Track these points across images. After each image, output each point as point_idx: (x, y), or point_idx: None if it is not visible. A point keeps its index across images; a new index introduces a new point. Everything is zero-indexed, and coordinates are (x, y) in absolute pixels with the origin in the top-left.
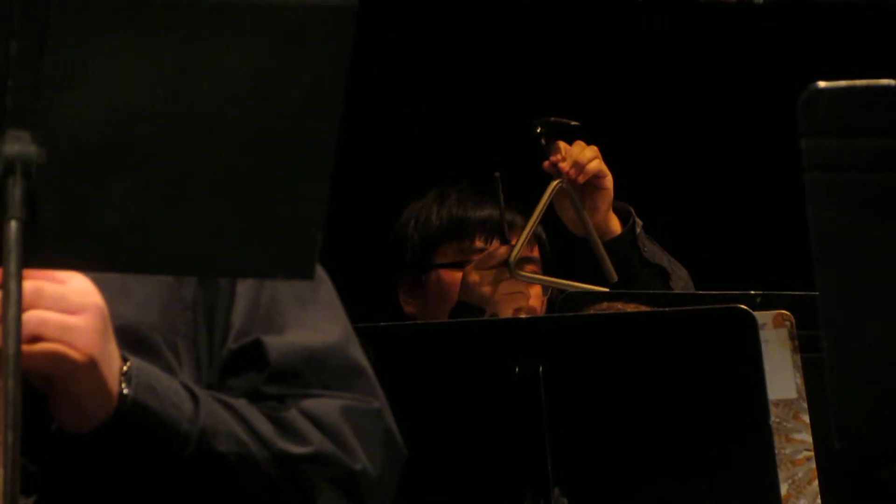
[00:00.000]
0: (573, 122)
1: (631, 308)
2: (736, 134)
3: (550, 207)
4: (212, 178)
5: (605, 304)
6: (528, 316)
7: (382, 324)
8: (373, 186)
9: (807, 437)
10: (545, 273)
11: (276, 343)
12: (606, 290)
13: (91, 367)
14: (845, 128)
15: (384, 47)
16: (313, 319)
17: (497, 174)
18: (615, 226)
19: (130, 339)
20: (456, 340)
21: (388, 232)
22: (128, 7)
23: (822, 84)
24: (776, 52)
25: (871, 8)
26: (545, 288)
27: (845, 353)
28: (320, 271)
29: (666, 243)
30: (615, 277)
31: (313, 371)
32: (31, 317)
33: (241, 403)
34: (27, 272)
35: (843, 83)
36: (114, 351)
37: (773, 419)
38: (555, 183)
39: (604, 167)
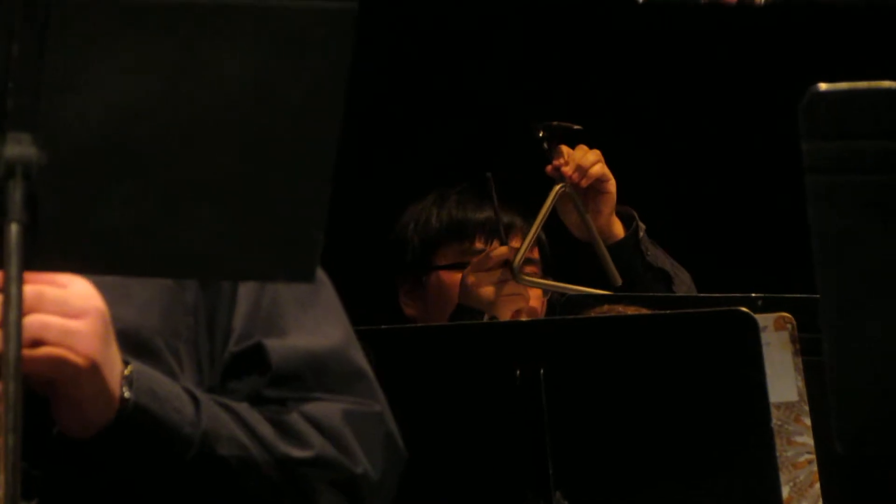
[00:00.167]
0: (576, 126)
1: (632, 311)
2: (737, 136)
3: (553, 211)
4: (212, 181)
5: (606, 307)
6: (529, 318)
7: (383, 326)
8: (373, 188)
9: (808, 439)
10: (545, 274)
11: (278, 346)
12: (608, 293)
13: (92, 370)
14: (846, 130)
15: (385, 49)
16: (314, 322)
17: (489, 175)
18: (618, 229)
19: (132, 342)
20: (457, 343)
21: (388, 234)
22: (128, 10)
23: (823, 86)
24: (777, 54)
25: (873, 10)
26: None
27: (846, 354)
28: (321, 274)
29: (667, 246)
30: (619, 281)
31: (315, 374)
32: (33, 321)
33: (243, 407)
34: (28, 275)
35: (844, 85)
36: (115, 355)
37: (774, 422)
38: (558, 187)
39: (607, 171)
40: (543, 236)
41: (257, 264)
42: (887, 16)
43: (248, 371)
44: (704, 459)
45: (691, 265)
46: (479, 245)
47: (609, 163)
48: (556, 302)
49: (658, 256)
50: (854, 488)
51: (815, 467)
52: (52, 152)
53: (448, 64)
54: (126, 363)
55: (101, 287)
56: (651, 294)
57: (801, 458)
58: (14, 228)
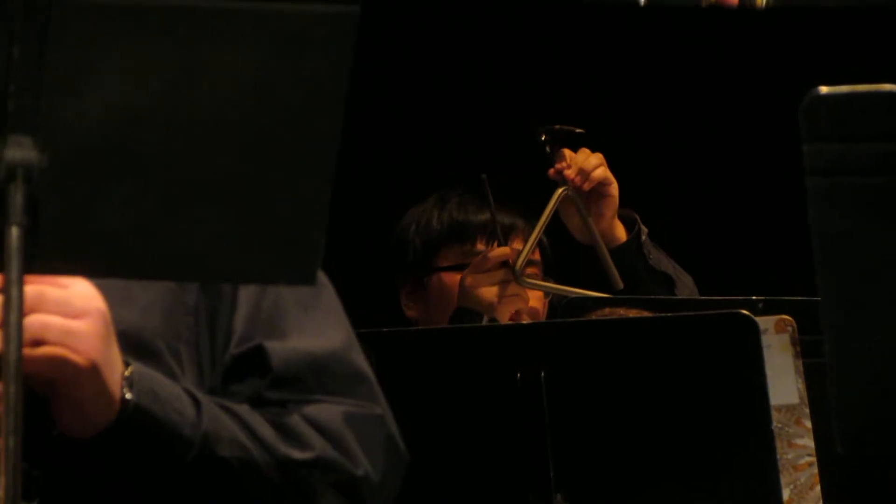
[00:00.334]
0: (578, 130)
1: (633, 314)
2: (737, 138)
3: (556, 214)
4: (213, 183)
5: (607, 310)
6: (530, 320)
7: (385, 329)
8: (374, 191)
9: (809, 442)
10: (546, 275)
11: (279, 349)
12: (609, 296)
13: (93, 371)
14: (847, 132)
15: (387, 51)
16: (316, 325)
17: (484, 176)
18: (620, 233)
19: (133, 344)
20: (458, 346)
21: (389, 236)
22: (129, 12)
23: (823, 89)
24: (778, 57)
25: (873, 13)
26: None
27: (847, 356)
28: (322, 276)
29: (669, 248)
30: (621, 285)
31: (316, 377)
32: (34, 321)
33: (244, 409)
34: (30, 277)
35: (844, 88)
36: (116, 355)
37: (775, 424)
38: (560, 190)
39: (609, 174)
40: (545, 238)
41: (258, 267)
42: (888, 19)
43: (248, 373)
44: (705, 462)
45: (692, 267)
46: (480, 247)
47: (611, 166)
48: (557, 304)
49: (661, 260)
50: (855, 491)
51: (815, 470)
52: (52, 155)
53: (450, 65)
54: (127, 364)
55: (102, 289)
56: (652, 297)
57: (802, 461)
58: (15, 231)
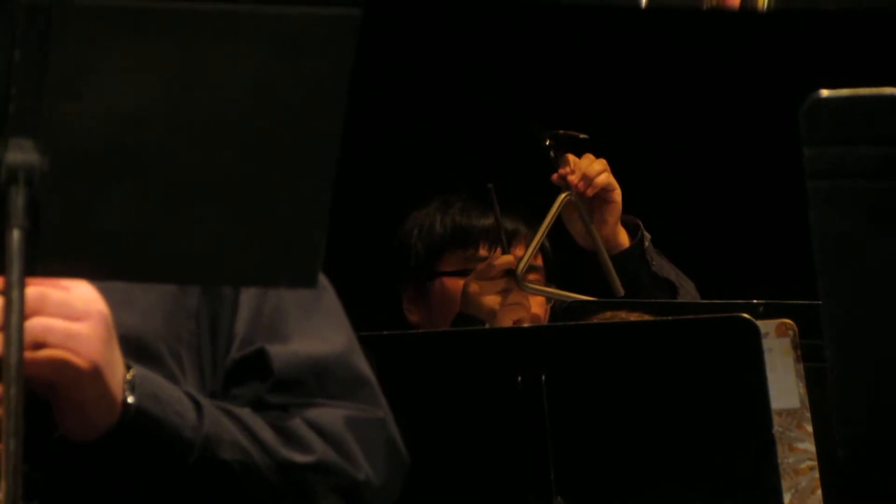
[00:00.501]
0: (582, 135)
1: (634, 317)
2: (739, 142)
3: (558, 219)
4: (214, 185)
5: (608, 314)
6: (531, 325)
7: (385, 332)
8: (376, 193)
9: (810, 446)
10: (548, 281)
11: (280, 352)
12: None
13: (95, 374)
14: (847, 136)
15: (389, 53)
16: (317, 328)
17: (490, 185)
18: (623, 239)
19: (134, 347)
20: (459, 349)
21: (391, 240)
22: (130, 15)
23: (824, 92)
24: (779, 60)
25: (875, 16)
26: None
27: (848, 359)
28: (323, 279)
29: (670, 252)
30: (622, 292)
31: (317, 380)
32: (35, 323)
33: (245, 412)
34: (31, 279)
35: (845, 91)
36: (118, 359)
37: (776, 428)
38: (563, 196)
39: (612, 180)
40: (547, 244)
41: (259, 269)
42: (889, 22)
43: (250, 377)
44: (706, 465)
45: (694, 271)
46: (482, 252)
47: (614, 171)
48: (558, 309)
49: (663, 266)
50: (856, 495)
51: (816, 474)
52: (53, 157)
53: (452, 67)
54: (128, 367)
55: (104, 292)
56: (653, 300)
57: (803, 465)
58: (16, 234)
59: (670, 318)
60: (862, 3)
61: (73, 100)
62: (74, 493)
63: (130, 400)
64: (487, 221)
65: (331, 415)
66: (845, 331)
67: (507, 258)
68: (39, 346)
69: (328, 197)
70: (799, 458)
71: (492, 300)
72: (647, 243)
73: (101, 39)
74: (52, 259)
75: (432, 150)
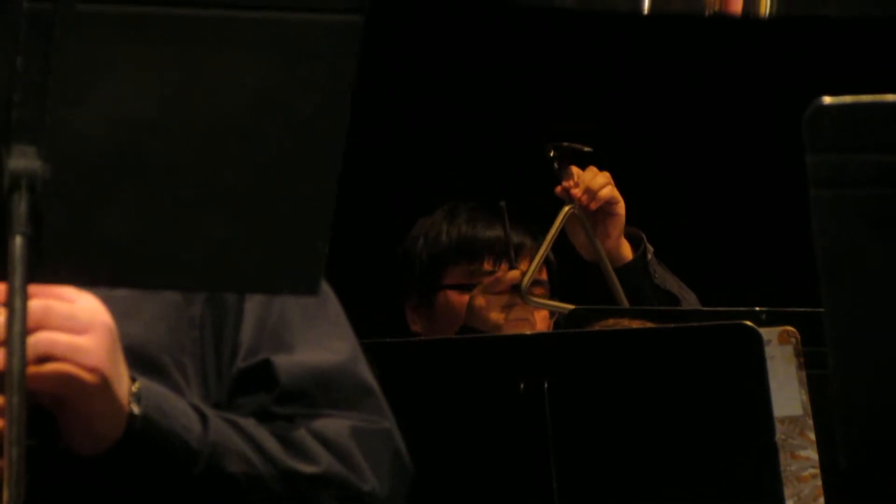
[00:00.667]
0: (586, 148)
1: (636, 324)
2: (741, 148)
3: (562, 232)
4: (216, 193)
5: (610, 321)
6: (533, 331)
7: (388, 340)
8: (380, 201)
9: (812, 453)
10: (553, 294)
11: (286, 363)
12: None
13: (101, 387)
14: (850, 143)
15: (394, 61)
16: (322, 337)
17: (502, 203)
18: (626, 252)
19: (138, 358)
20: (461, 356)
21: (396, 248)
22: (132, 21)
23: (827, 99)
24: (781, 67)
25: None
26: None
27: (850, 367)
28: (326, 288)
29: (673, 260)
30: (626, 304)
31: (323, 391)
32: (41, 337)
33: (250, 423)
34: (37, 290)
35: (848, 98)
36: (123, 371)
37: (778, 436)
38: (567, 209)
39: (616, 193)
40: (552, 257)
41: (261, 276)
42: (891, 29)
43: (256, 387)
44: (708, 472)
45: (696, 278)
46: (487, 266)
47: (617, 183)
48: (561, 321)
49: (666, 279)
50: (859, 502)
51: (819, 481)
52: (56, 164)
53: (457, 76)
54: (133, 380)
55: (107, 303)
56: (656, 308)
57: (806, 472)
58: (18, 241)
59: (673, 325)
60: (864, 9)
61: (76, 106)
62: None
63: (136, 412)
64: (493, 233)
65: (336, 425)
66: (848, 338)
67: (515, 274)
68: (45, 359)
69: (331, 203)
70: (801, 465)
71: (497, 315)
72: (649, 256)
73: (104, 46)
74: (55, 265)
75: (436, 158)
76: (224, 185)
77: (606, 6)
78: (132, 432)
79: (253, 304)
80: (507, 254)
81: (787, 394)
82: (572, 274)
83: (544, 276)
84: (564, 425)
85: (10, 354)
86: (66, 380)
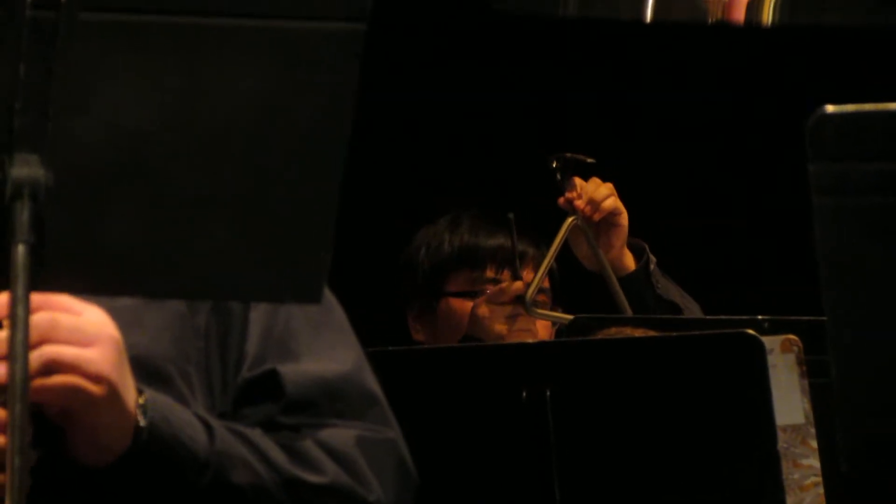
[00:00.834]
0: (589, 160)
1: (639, 333)
2: (743, 157)
3: (565, 243)
4: (219, 201)
5: (613, 329)
6: (536, 341)
7: (390, 348)
8: (383, 210)
9: (815, 462)
10: (555, 302)
11: (292, 373)
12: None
13: (107, 399)
14: (853, 152)
15: (397, 70)
16: (327, 346)
17: (511, 215)
18: (629, 262)
19: (143, 369)
20: (463, 365)
21: (398, 257)
22: (135, 30)
23: (829, 108)
24: (784, 75)
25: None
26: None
27: (852, 375)
28: (331, 296)
29: (675, 269)
30: (629, 314)
31: (329, 400)
32: (47, 349)
33: (256, 433)
34: (43, 301)
35: (850, 107)
36: (130, 383)
37: (780, 444)
38: (570, 220)
39: (619, 204)
40: (554, 266)
41: (264, 285)
42: (894, 38)
43: (262, 397)
44: (711, 482)
45: (698, 287)
46: (489, 273)
47: (620, 194)
48: (563, 330)
49: (669, 289)
50: None
51: (821, 490)
52: (59, 172)
53: (460, 85)
54: (140, 391)
55: (112, 314)
56: (658, 317)
57: (808, 481)
58: (21, 249)
59: (675, 334)
60: (867, 18)
61: (78, 115)
62: None
63: (143, 424)
64: (495, 242)
65: (342, 435)
66: (850, 346)
67: (519, 285)
68: (51, 372)
69: (333, 212)
70: (804, 474)
71: (500, 325)
72: (652, 266)
73: (106, 54)
74: (57, 274)
75: (440, 167)
76: (226, 193)
77: (609, 14)
78: (138, 444)
79: (258, 314)
80: (514, 265)
81: (790, 402)
82: (575, 284)
83: (546, 284)
84: (567, 433)
85: (12, 363)
86: (73, 392)
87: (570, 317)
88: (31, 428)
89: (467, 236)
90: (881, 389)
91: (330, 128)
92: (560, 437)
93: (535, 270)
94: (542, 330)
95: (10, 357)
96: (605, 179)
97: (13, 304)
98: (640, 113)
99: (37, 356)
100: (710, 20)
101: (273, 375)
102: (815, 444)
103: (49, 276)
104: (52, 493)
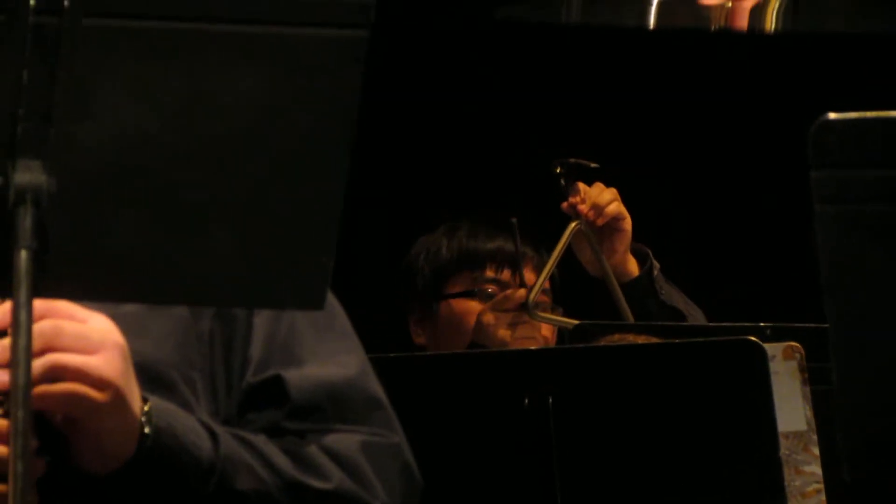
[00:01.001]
0: (592, 165)
1: (642, 340)
2: (746, 164)
3: (568, 247)
4: (221, 207)
5: (616, 336)
6: (538, 347)
7: (393, 354)
8: (385, 217)
9: (816, 469)
10: (555, 303)
11: (296, 378)
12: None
13: (112, 406)
14: (855, 159)
15: (400, 76)
16: (331, 351)
17: (514, 220)
18: (633, 268)
19: (147, 376)
20: (466, 371)
21: (398, 263)
22: (137, 36)
23: (832, 115)
24: (786, 83)
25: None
26: None
27: (854, 382)
28: (334, 301)
29: (678, 275)
30: (632, 320)
31: (333, 405)
32: (52, 356)
33: (260, 440)
34: (48, 308)
35: (853, 114)
36: (135, 390)
37: (782, 451)
38: (573, 225)
39: (623, 209)
40: (555, 269)
41: (266, 291)
42: None
43: (267, 403)
44: (713, 488)
45: (701, 294)
46: (489, 273)
47: (624, 199)
48: (566, 332)
49: (672, 295)
50: None
51: (823, 496)
52: (61, 179)
53: (464, 91)
54: (144, 399)
55: (115, 320)
56: (661, 323)
57: (810, 488)
58: (24, 255)
59: (677, 340)
60: (870, 25)
61: (81, 120)
62: None
63: (147, 431)
64: (494, 245)
65: (347, 441)
66: (852, 353)
67: (522, 292)
68: (56, 378)
69: (336, 217)
70: (806, 480)
71: (504, 332)
72: (655, 272)
73: (109, 61)
74: (60, 280)
75: (443, 173)
76: (229, 200)
77: (612, 21)
78: (143, 451)
79: (262, 319)
80: (519, 270)
81: (792, 409)
82: (578, 289)
83: (547, 285)
84: (569, 440)
85: (15, 369)
86: (78, 399)
87: (572, 321)
88: (36, 435)
89: (466, 240)
90: (882, 393)
91: (332, 134)
92: (562, 444)
93: (535, 272)
94: (545, 329)
95: (12, 363)
96: (608, 185)
97: (16, 309)
98: (644, 118)
99: (41, 363)
100: (713, 27)
101: (277, 381)
102: (816, 450)
103: (52, 282)
104: (57, 500)
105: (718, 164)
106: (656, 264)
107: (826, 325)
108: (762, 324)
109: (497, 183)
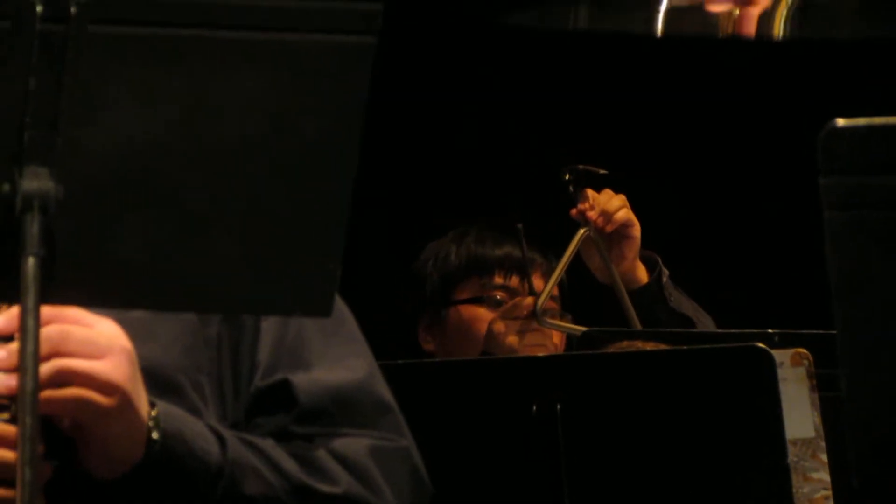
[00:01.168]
0: (601, 171)
1: (650, 346)
2: (756, 171)
3: (577, 254)
4: (228, 214)
5: (624, 343)
6: (546, 354)
7: (401, 361)
8: (393, 223)
9: (825, 475)
10: (563, 309)
11: (305, 382)
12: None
13: (119, 411)
14: (864, 165)
15: (409, 83)
16: (340, 355)
17: (520, 225)
18: (642, 275)
19: (156, 380)
20: (474, 378)
21: (407, 270)
22: (144, 43)
23: (841, 121)
24: (795, 89)
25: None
26: None
27: (863, 389)
28: (342, 306)
29: (686, 282)
30: (639, 327)
31: (341, 410)
32: (59, 361)
33: (268, 444)
34: (55, 314)
35: (862, 120)
36: (142, 395)
37: (790, 458)
38: (582, 231)
39: (631, 216)
40: (564, 275)
41: (273, 297)
42: None
43: (275, 407)
44: (720, 495)
45: (709, 300)
46: (498, 279)
47: (633, 206)
48: (574, 339)
49: (681, 302)
50: None
51: (831, 503)
52: (68, 185)
53: (473, 97)
54: (152, 404)
55: (124, 325)
56: (669, 330)
57: (818, 495)
58: (31, 262)
59: (686, 347)
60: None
61: (87, 127)
62: None
63: (155, 436)
64: (502, 251)
65: (355, 445)
66: (861, 360)
67: (531, 300)
68: (64, 383)
69: (343, 224)
70: (814, 487)
71: (516, 340)
72: (665, 279)
73: (116, 68)
74: (67, 286)
75: (451, 180)
76: (235, 206)
77: (620, 27)
78: (151, 455)
79: (270, 323)
80: (527, 276)
81: (800, 416)
82: (587, 297)
83: (555, 292)
84: (577, 447)
85: (23, 374)
86: (85, 404)
87: (581, 328)
88: (43, 440)
89: (474, 247)
90: (890, 400)
91: (339, 140)
92: (570, 451)
93: (544, 278)
94: (555, 337)
95: (20, 368)
96: (617, 191)
97: (23, 315)
98: (654, 125)
99: (49, 368)
100: (720, 33)
101: (285, 385)
102: (825, 457)
103: (59, 289)
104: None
105: (727, 170)
106: (665, 271)
107: (834, 332)
108: (770, 330)
109: (506, 189)
